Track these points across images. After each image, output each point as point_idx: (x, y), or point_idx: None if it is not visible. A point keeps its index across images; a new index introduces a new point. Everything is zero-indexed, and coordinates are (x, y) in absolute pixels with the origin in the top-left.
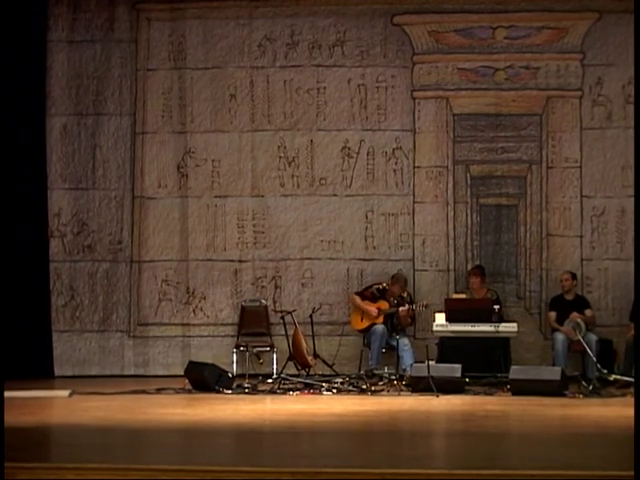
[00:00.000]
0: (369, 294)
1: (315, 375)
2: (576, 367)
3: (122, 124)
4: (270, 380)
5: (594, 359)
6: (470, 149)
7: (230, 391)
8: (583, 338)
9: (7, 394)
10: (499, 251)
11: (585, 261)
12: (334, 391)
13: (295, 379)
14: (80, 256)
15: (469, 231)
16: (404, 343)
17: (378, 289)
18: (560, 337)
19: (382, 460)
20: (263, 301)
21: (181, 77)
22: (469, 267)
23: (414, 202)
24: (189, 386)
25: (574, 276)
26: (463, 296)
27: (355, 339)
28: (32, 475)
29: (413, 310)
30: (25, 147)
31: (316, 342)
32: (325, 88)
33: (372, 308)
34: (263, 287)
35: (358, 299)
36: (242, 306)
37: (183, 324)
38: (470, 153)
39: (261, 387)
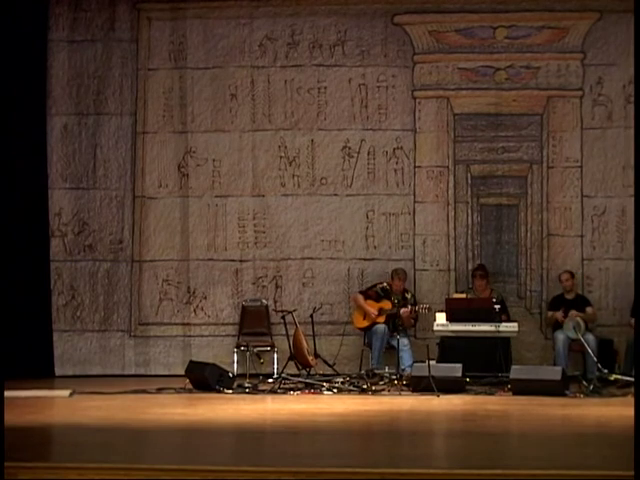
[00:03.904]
0: (373, 293)
1: (316, 375)
2: (577, 367)
3: (123, 124)
4: (271, 380)
5: (594, 359)
6: (471, 149)
7: (231, 391)
8: (583, 337)
9: (8, 394)
10: (500, 251)
11: (586, 261)
12: (335, 391)
13: (296, 379)
14: (81, 256)
15: (470, 231)
16: (403, 343)
17: (382, 288)
18: (561, 337)
19: (383, 460)
20: (264, 301)
21: (182, 77)
22: (470, 267)
23: (415, 202)
24: (190, 386)
25: (572, 275)
26: (463, 296)
27: (356, 339)
28: (33, 475)
29: (416, 312)
30: (26, 147)
31: (317, 342)
32: (326, 88)
33: (373, 310)
34: (264, 287)
35: (361, 299)
36: (243, 306)
37: (184, 324)
38: (471, 153)
39: (262, 387)
